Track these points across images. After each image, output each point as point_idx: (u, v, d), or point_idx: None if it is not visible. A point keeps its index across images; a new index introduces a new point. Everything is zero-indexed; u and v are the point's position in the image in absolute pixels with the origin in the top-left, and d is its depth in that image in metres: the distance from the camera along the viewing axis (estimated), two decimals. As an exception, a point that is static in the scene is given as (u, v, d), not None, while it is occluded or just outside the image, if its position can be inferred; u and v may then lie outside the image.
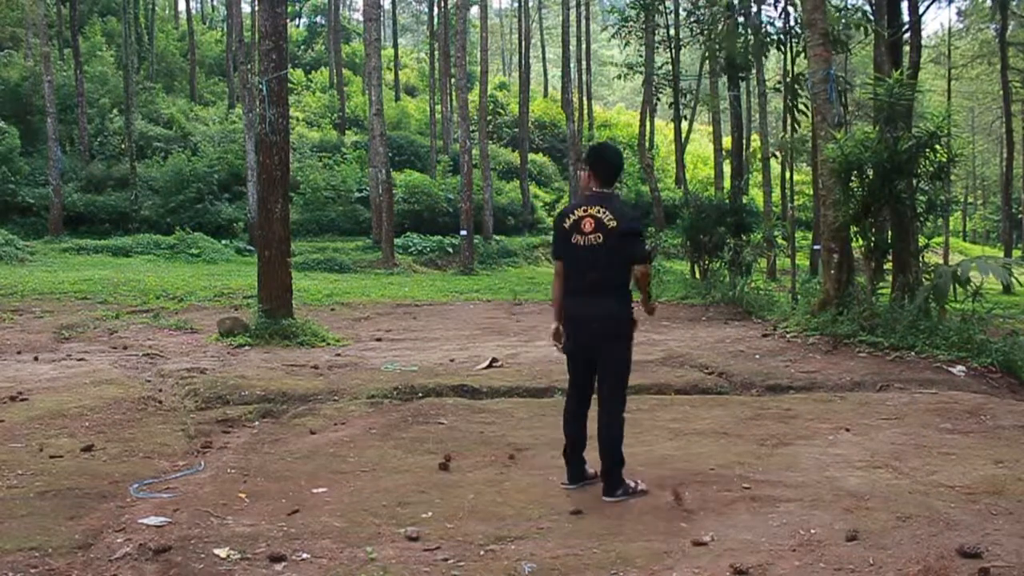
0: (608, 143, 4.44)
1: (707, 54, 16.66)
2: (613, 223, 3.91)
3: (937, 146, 8.55)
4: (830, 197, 9.19)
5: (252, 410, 5.80)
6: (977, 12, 37.34)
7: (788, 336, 9.08)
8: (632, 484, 3.94)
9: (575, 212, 4.05)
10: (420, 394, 6.31)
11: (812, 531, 3.41)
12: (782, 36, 15.60)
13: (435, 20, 36.84)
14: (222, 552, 3.22)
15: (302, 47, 44.61)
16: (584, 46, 36.05)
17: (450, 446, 4.82)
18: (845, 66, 28.15)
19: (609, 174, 4.09)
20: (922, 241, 9.32)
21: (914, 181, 8.78)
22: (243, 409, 5.81)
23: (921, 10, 13.12)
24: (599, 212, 3.95)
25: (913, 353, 7.60)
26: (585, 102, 37.04)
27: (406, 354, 8.31)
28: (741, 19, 16.45)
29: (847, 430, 5.18)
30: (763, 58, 17.54)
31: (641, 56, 24.84)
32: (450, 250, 24.74)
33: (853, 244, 9.43)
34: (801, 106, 14.92)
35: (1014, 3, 29.44)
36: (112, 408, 5.62)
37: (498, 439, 5.05)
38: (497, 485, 4.12)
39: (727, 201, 15.13)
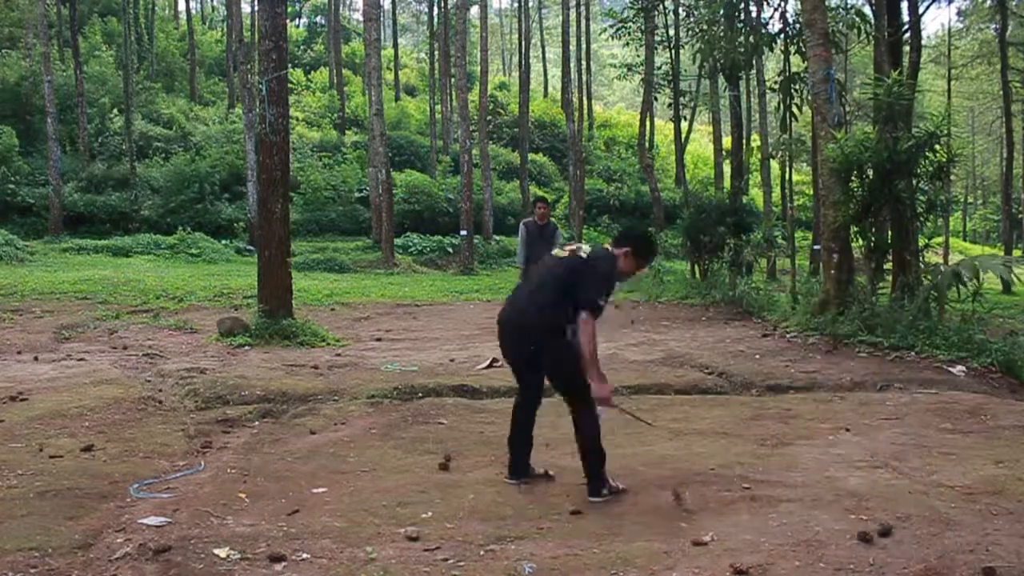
0: (651, 235, 4.47)
1: (703, 54, 16.62)
2: (584, 255, 4.05)
3: (937, 146, 8.55)
4: (830, 197, 9.19)
5: (252, 410, 5.80)
6: (977, 12, 37.31)
7: (788, 336, 9.08)
8: (614, 483, 3.96)
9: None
10: (420, 394, 6.31)
11: (812, 531, 3.41)
12: (779, 36, 15.61)
13: (435, 20, 36.85)
14: (222, 552, 3.22)
15: (302, 47, 44.60)
16: (584, 46, 36.02)
17: (450, 446, 4.82)
18: (845, 66, 28.16)
19: (621, 237, 4.18)
20: (922, 241, 9.31)
21: (914, 181, 8.78)
22: (243, 409, 5.81)
23: (921, 10, 13.14)
24: (583, 246, 4.16)
25: (913, 353, 7.61)
26: (585, 102, 37.00)
27: (406, 354, 8.31)
28: (740, 22, 16.45)
29: (847, 430, 5.18)
30: (761, 58, 17.53)
31: (640, 56, 24.85)
32: (450, 250, 24.72)
33: (853, 244, 9.43)
34: (795, 107, 14.94)
35: (1014, 3, 29.44)
36: (112, 408, 5.62)
37: (498, 439, 5.03)
38: (497, 485, 4.13)
39: (727, 201, 15.13)
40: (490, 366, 7.41)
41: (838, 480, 4.11)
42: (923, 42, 20.40)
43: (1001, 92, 28.45)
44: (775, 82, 17.03)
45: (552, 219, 10.16)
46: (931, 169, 8.62)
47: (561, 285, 3.95)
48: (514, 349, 4.10)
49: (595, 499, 3.88)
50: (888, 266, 9.25)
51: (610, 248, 4.12)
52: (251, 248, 21.81)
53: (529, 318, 3.99)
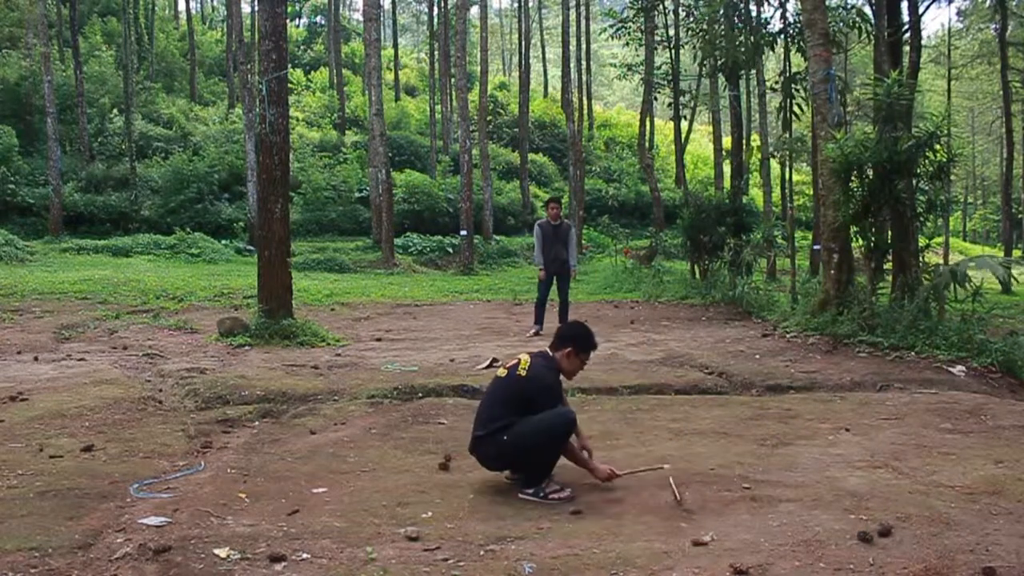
0: (588, 331, 4.27)
1: (703, 53, 16.64)
2: (524, 371, 4.03)
3: (937, 146, 8.55)
4: (830, 197, 9.19)
5: (252, 410, 5.80)
6: (977, 12, 37.35)
7: (788, 336, 9.09)
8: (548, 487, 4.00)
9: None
10: (420, 394, 6.31)
11: (812, 531, 3.41)
12: (779, 36, 15.62)
13: (435, 20, 36.85)
14: (222, 552, 3.22)
15: (302, 47, 44.61)
16: (584, 46, 36.02)
17: (450, 446, 4.82)
18: (845, 66, 28.16)
19: (562, 338, 4.19)
20: (922, 241, 9.32)
21: (914, 181, 8.79)
22: (243, 409, 5.81)
23: (921, 10, 13.13)
24: (521, 359, 4.12)
25: (913, 353, 7.61)
26: (585, 102, 37.01)
27: (406, 354, 8.31)
28: (739, 22, 16.46)
29: (847, 430, 5.18)
30: (761, 58, 17.54)
31: (640, 56, 24.88)
32: (450, 250, 24.73)
33: (853, 244, 9.43)
34: (796, 107, 14.96)
35: (1014, 3, 29.45)
36: (112, 408, 5.62)
37: (498, 439, 5.04)
38: (497, 485, 4.13)
39: (727, 201, 15.14)
40: (490, 366, 7.41)
41: (838, 480, 4.11)
42: (923, 42, 20.41)
43: (1001, 92, 28.45)
44: (775, 82, 17.07)
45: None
46: (931, 169, 8.62)
47: (514, 408, 3.96)
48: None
49: (524, 493, 3.92)
50: (888, 266, 9.25)
51: (550, 352, 4.15)
52: (251, 248, 21.81)
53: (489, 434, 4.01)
